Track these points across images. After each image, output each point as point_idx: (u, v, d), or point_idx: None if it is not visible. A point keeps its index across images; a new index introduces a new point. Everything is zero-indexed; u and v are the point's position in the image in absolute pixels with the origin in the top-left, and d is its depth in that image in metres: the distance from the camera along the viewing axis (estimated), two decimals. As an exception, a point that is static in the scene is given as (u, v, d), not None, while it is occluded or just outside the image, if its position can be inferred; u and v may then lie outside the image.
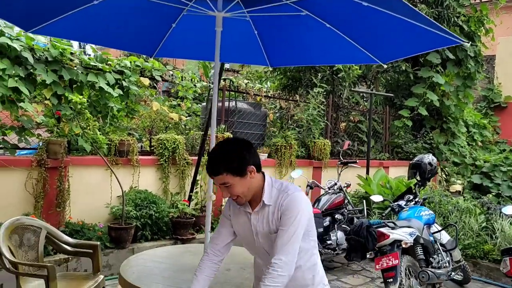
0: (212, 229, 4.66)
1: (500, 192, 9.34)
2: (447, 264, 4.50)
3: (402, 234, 4.03)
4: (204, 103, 7.63)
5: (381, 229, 4.03)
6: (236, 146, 2.02)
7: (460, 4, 9.94)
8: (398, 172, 9.38)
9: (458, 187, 10.30)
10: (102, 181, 5.29)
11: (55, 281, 2.83)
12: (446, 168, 10.37)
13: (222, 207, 5.85)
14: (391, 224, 4.16)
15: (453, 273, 4.55)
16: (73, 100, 4.94)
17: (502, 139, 12.93)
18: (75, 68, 4.99)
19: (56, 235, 3.36)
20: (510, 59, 12.98)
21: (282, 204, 1.98)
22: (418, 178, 5.02)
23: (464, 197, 7.60)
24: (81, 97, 5.05)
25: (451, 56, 9.74)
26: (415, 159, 5.13)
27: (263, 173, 2.08)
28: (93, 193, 5.20)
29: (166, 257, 3.09)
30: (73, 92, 5.04)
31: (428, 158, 5.02)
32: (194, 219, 5.53)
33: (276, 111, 8.67)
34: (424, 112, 9.92)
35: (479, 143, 12.18)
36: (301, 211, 1.95)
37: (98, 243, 3.38)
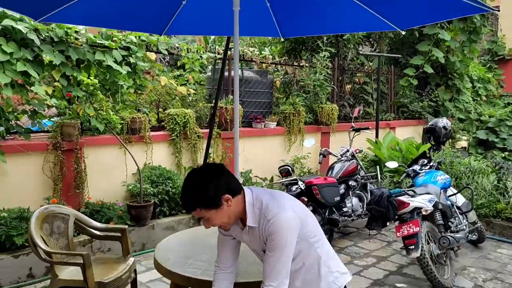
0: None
1: (506, 147, 9.38)
2: (465, 227, 4.58)
3: (422, 201, 4.09)
4: (209, 74, 7.52)
5: (401, 198, 4.07)
6: (206, 177, 1.93)
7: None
8: (405, 133, 9.40)
9: (463, 143, 10.33)
10: (117, 159, 5.29)
11: (91, 268, 2.88)
12: (452, 125, 10.37)
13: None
14: (410, 192, 4.21)
15: (470, 235, 4.64)
16: (84, 82, 4.85)
17: (506, 93, 12.84)
18: (81, 47, 4.88)
19: (84, 221, 3.40)
20: (515, 10, 12.70)
21: (265, 230, 1.95)
22: (433, 142, 5.03)
23: (471, 153, 7.62)
24: (92, 78, 4.96)
25: (456, 11, 9.51)
26: (429, 124, 5.13)
27: (243, 193, 2.01)
28: (108, 172, 5.22)
29: (195, 239, 3.13)
30: (81, 72, 4.96)
31: (443, 122, 5.02)
32: (210, 192, 5.56)
33: (281, 76, 8.56)
34: (429, 69, 9.82)
35: (484, 98, 12.12)
36: (284, 233, 1.91)
37: (126, 226, 3.41)
